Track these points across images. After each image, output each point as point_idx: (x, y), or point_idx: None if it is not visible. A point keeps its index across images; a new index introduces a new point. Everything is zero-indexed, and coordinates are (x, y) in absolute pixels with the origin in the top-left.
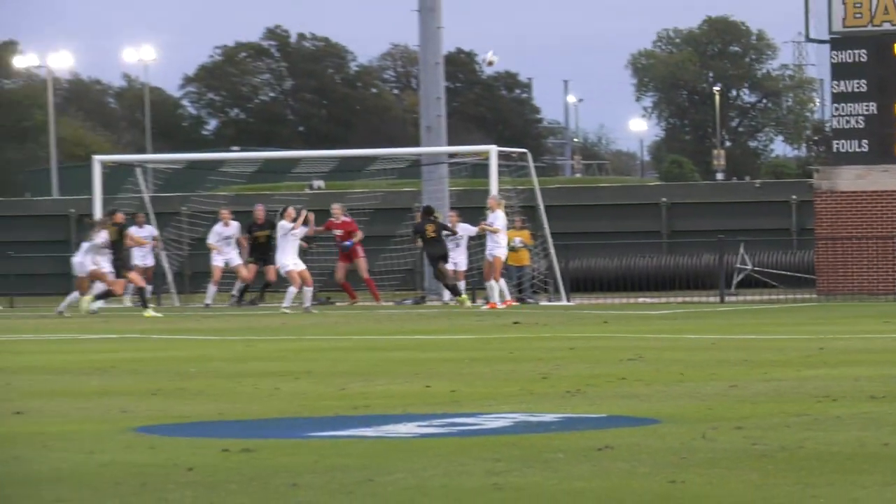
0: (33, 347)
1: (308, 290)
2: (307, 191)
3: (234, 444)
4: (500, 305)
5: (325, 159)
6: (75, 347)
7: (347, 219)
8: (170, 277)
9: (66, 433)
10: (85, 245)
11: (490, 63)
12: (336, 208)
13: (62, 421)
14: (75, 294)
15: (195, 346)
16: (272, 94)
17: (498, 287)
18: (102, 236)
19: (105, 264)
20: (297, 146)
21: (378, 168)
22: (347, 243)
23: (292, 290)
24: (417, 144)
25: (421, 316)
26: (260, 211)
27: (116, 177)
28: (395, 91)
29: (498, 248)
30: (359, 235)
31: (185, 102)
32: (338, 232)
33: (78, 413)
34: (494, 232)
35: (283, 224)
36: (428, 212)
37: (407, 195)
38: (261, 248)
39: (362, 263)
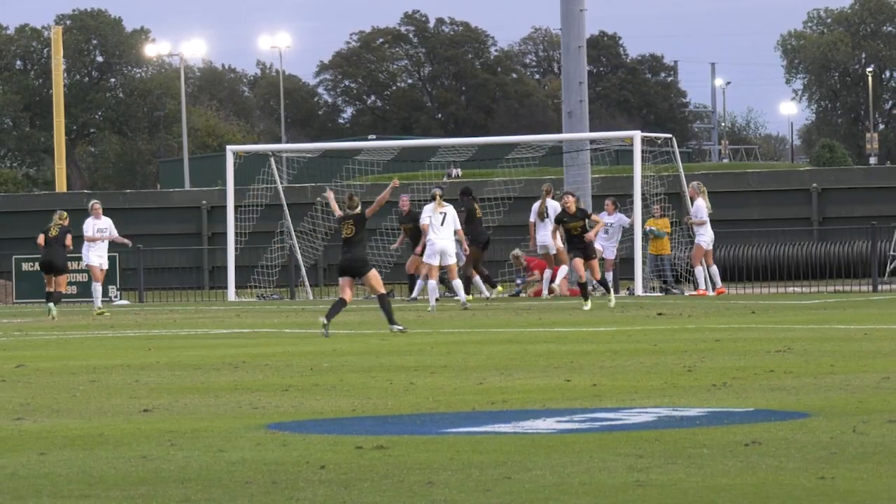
0: (163, 343)
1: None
2: (445, 179)
3: (368, 441)
4: (710, 293)
5: (464, 147)
6: (205, 343)
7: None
8: (303, 271)
9: (195, 431)
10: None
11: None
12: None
13: (191, 418)
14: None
15: (328, 341)
16: (410, 81)
17: (703, 273)
18: None
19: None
20: (436, 134)
21: (518, 156)
22: None
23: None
24: (559, 130)
25: (560, 308)
26: (403, 202)
27: (250, 167)
28: (537, 76)
29: (700, 236)
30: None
31: (320, 90)
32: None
33: (207, 410)
34: (700, 225)
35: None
36: (468, 192)
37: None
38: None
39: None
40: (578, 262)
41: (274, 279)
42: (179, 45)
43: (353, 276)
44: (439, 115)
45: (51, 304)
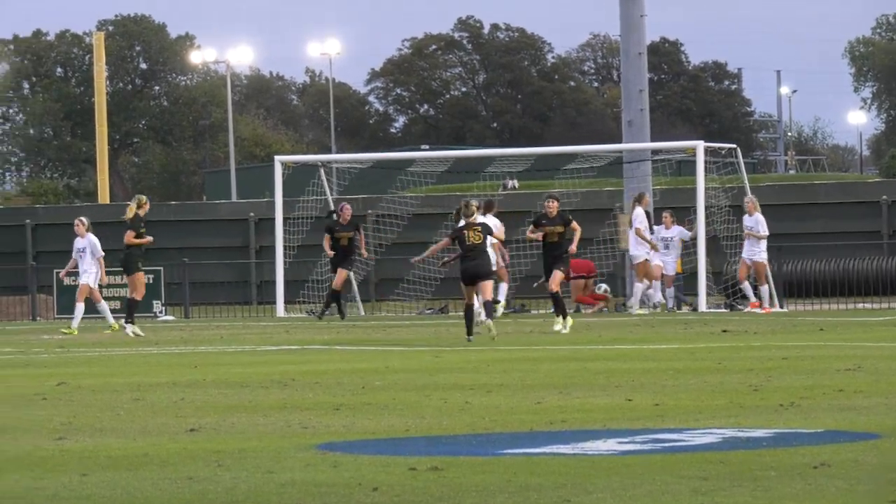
0: (209, 360)
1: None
2: (500, 191)
3: (422, 462)
4: (760, 311)
5: (520, 157)
6: (254, 360)
7: None
8: (355, 286)
9: (243, 451)
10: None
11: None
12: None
13: (239, 438)
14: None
15: (380, 358)
16: (464, 89)
17: (766, 290)
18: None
19: None
20: (490, 143)
21: (576, 166)
22: None
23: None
24: (618, 140)
25: (622, 324)
26: (346, 211)
27: (298, 178)
28: (595, 84)
29: (758, 252)
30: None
31: (371, 98)
32: None
33: (256, 429)
34: (760, 238)
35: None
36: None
37: (607, 194)
38: (342, 252)
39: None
40: (558, 274)
41: (324, 294)
42: (226, 52)
43: (482, 281)
44: (494, 124)
45: (111, 322)
